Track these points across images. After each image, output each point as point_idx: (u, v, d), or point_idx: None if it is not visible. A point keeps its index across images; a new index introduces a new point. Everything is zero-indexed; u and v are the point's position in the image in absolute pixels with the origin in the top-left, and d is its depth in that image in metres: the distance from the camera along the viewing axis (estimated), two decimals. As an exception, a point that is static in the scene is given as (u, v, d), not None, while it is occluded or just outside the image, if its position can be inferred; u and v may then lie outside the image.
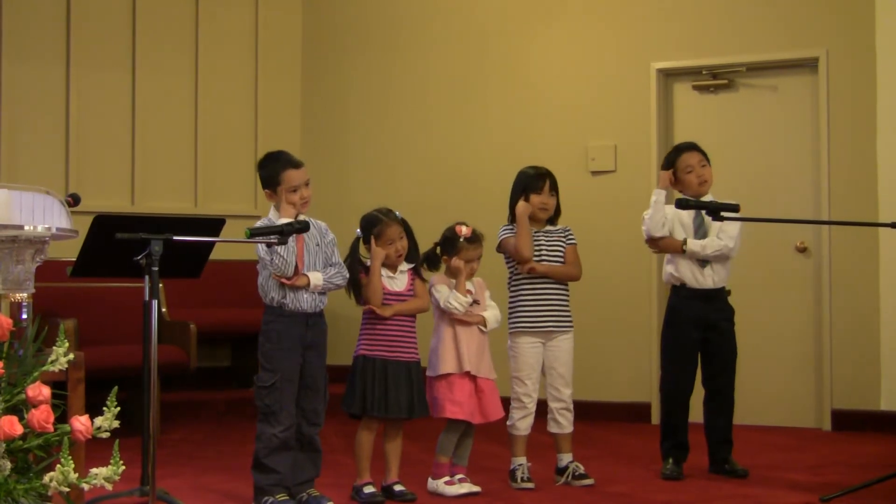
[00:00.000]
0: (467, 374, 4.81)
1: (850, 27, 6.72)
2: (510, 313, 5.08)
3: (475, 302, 4.87)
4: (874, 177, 6.60)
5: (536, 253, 5.03)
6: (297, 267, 4.38)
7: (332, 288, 4.54)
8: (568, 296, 5.10)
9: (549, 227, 5.11)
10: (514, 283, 5.09)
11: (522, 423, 5.00)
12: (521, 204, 5.01)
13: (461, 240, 4.87)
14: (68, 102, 7.62)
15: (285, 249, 4.29)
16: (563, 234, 5.12)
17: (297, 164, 4.48)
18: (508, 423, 5.02)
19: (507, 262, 5.12)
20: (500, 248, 5.12)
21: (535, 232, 5.06)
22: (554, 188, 5.08)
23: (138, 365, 5.05)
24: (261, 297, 4.48)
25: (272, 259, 4.33)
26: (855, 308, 6.64)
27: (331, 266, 4.54)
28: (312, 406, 4.50)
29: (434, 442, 4.89)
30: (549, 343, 5.04)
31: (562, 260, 5.07)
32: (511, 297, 5.09)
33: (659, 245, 5.24)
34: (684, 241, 5.15)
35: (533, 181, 5.06)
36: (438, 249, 4.93)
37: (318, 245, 4.52)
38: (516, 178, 5.14)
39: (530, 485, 4.92)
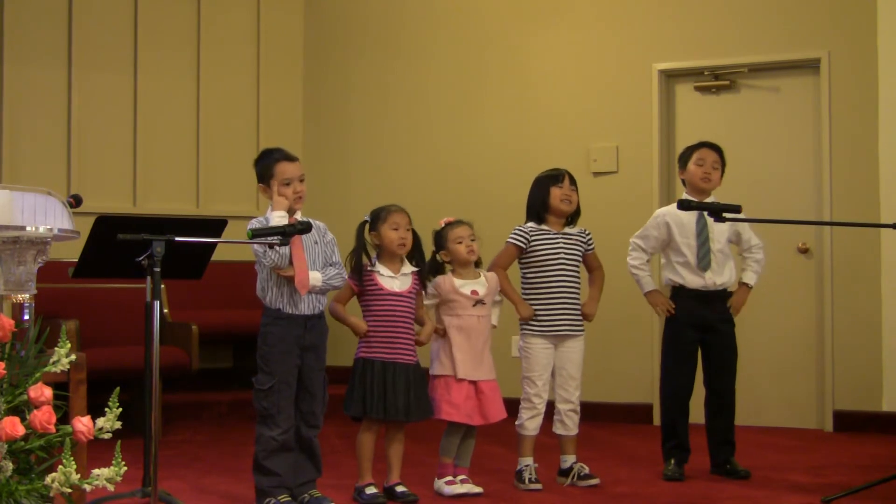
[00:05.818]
0: (465, 376, 4.81)
1: (852, 28, 6.72)
2: None
3: (479, 302, 4.86)
4: (876, 178, 6.59)
5: (555, 256, 5.02)
6: (298, 264, 4.37)
7: (330, 289, 4.52)
8: (580, 300, 5.10)
9: (567, 230, 5.10)
10: (526, 284, 5.08)
11: (531, 423, 4.98)
12: (525, 307, 4.99)
13: (444, 226, 4.88)
14: (70, 104, 7.63)
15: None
16: (582, 239, 5.11)
17: (290, 158, 4.47)
18: (517, 422, 5.01)
19: (520, 262, 5.11)
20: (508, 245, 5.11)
21: (555, 234, 5.06)
22: (573, 183, 5.08)
23: (140, 366, 5.04)
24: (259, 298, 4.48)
25: (265, 251, 4.30)
26: (857, 309, 6.63)
27: (330, 266, 4.52)
28: (310, 409, 4.49)
29: (436, 443, 4.89)
30: (561, 346, 5.04)
31: (579, 262, 5.08)
32: (523, 298, 5.07)
33: (732, 302, 5.27)
34: (747, 285, 5.29)
35: (553, 176, 5.07)
36: (438, 255, 4.92)
37: (316, 243, 4.49)
38: (534, 182, 5.12)
39: (538, 486, 4.90)
